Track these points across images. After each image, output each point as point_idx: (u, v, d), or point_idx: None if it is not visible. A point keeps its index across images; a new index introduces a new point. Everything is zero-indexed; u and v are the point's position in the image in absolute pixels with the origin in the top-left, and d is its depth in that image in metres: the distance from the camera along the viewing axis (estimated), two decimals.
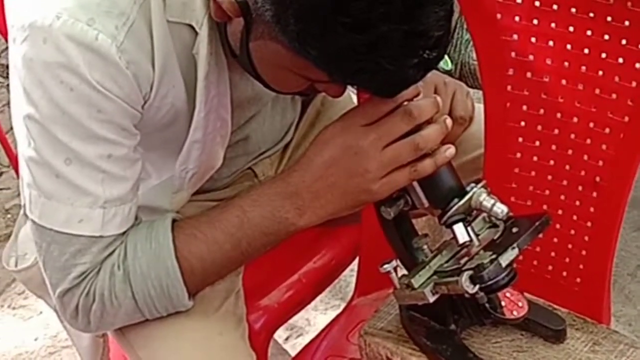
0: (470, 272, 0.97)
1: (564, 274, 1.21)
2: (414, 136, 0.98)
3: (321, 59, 0.86)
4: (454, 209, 0.99)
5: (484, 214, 1.03)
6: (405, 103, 0.98)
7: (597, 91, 1.08)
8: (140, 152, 1.02)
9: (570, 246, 1.19)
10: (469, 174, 1.22)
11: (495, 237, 1.03)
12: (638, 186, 1.17)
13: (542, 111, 1.14)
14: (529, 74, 1.12)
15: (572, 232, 1.18)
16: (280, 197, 1.00)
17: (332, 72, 0.88)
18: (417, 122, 0.97)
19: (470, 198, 0.99)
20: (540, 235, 1.00)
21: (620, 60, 1.05)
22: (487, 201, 0.98)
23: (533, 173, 1.18)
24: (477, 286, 0.97)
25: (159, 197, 1.11)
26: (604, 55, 1.06)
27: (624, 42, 1.04)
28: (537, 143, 1.16)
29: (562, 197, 1.17)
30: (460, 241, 0.99)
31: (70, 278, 0.99)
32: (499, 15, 1.10)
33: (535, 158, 1.17)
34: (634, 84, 1.05)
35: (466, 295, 0.98)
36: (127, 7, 0.93)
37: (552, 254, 1.21)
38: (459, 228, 0.99)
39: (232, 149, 1.17)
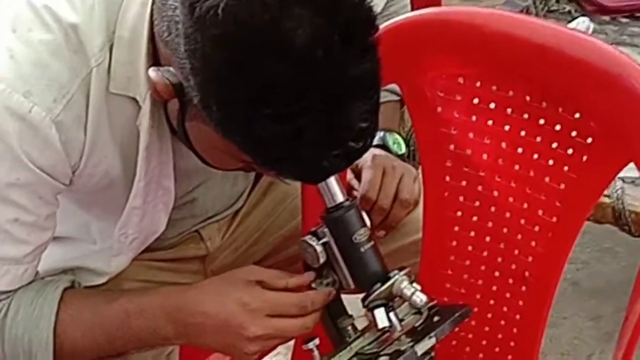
0: (387, 357, 1.00)
1: None
2: (304, 299, 1.04)
3: (244, 145, 0.89)
4: (375, 293, 1.02)
5: None
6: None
7: (529, 190, 1.12)
8: (69, 219, 1.07)
9: (500, 336, 1.22)
10: (409, 256, 1.27)
11: (417, 324, 1.06)
12: (596, 276, 1.21)
13: (477, 203, 1.18)
14: (466, 167, 1.16)
15: (502, 322, 1.21)
16: (165, 317, 1.04)
17: (256, 159, 0.91)
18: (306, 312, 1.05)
19: (392, 284, 1.02)
20: (457, 329, 1.03)
21: (551, 162, 1.09)
22: (407, 289, 1.02)
23: (468, 262, 1.21)
24: None
25: (98, 261, 1.14)
26: (535, 156, 1.11)
27: (554, 145, 1.09)
28: (472, 233, 1.20)
29: (494, 287, 1.20)
30: (380, 326, 1.02)
31: None
32: (439, 109, 1.15)
33: (470, 247, 1.21)
34: (562, 186, 1.09)
35: None
36: (68, 82, 0.97)
37: (484, 342, 1.24)
38: (379, 313, 1.02)
39: (177, 211, 1.20)
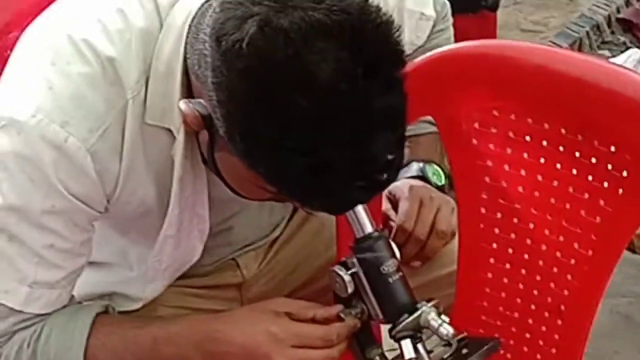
0: None
1: None
2: (329, 331, 1.05)
3: (268, 177, 0.91)
4: (402, 324, 1.02)
5: None
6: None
7: (564, 223, 1.11)
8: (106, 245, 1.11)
9: None
10: (445, 287, 1.26)
11: (446, 356, 1.05)
12: None
13: (513, 235, 1.16)
14: (501, 200, 1.15)
15: (538, 356, 1.19)
16: (193, 345, 1.06)
17: (281, 190, 0.92)
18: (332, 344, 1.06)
19: (419, 316, 1.02)
20: None
21: (586, 195, 1.08)
22: (434, 321, 1.01)
23: (503, 294, 1.20)
24: None
25: (133, 287, 1.17)
26: (571, 189, 1.09)
27: (590, 178, 1.07)
28: (508, 265, 1.19)
29: (530, 320, 1.19)
30: (406, 357, 1.02)
31: None
32: (474, 141, 1.14)
33: (505, 280, 1.19)
34: (598, 219, 1.08)
35: None
36: (105, 113, 0.99)
37: None
38: (406, 344, 1.02)
39: (213, 239, 1.21)
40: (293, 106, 0.86)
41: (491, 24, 2.37)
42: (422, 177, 1.38)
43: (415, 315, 1.02)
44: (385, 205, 1.33)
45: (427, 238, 1.29)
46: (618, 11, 2.48)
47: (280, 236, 1.36)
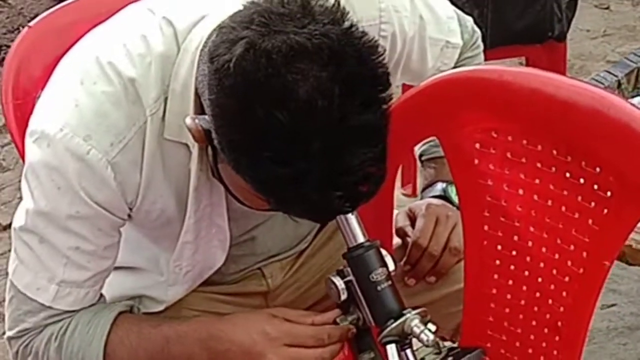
0: None
1: None
2: (320, 331, 1.13)
3: (254, 186, 0.99)
4: (387, 330, 1.08)
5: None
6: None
7: (559, 241, 1.15)
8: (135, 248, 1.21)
9: None
10: (457, 302, 1.31)
11: None
12: None
13: (514, 252, 1.21)
14: (502, 218, 1.20)
15: None
16: (200, 345, 1.16)
17: (267, 198, 1.00)
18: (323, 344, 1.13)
19: (404, 322, 1.08)
20: None
21: (577, 215, 1.12)
22: (417, 327, 1.07)
23: (507, 310, 1.24)
24: None
25: (158, 290, 1.27)
26: (563, 208, 1.13)
27: (579, 198, 1.11)
28: (510, 282, 1.23)
29: (532, 336, 1.22)
30: None
31: (17, 329, 1.18)
32: (476, 161, 1.19)
33: (509, 296, 1.24)
34: (587, 238, 1.11)
35: None
36: (125, 129, 1.10)
37: None
38: (390, 349, 1.08)
39: (238, 248, 1.30)
40: (272, 120, 0.94)
41: (560, 54, 2.39)
42: (445, 197, 1.44)
43: (400, 321, 1.08)
44: (404, 222, 1.39)
45: (440, 254, 1.34)
46: None
47: (307, 249, 1.44)
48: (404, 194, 2.52)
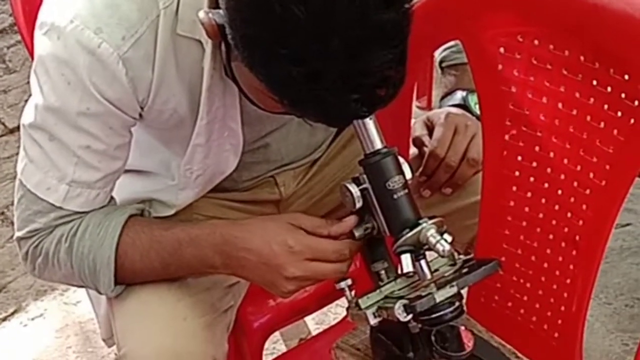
0: (406, 301, 1.03)
1: (545, 326, 1.23)
2: (342, 247, 1.10)
3: (268, 84, 0.94)
4: (402, 239, 1.05)
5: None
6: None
7: (582, 152, 1.11)
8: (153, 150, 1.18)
9: (552, 300, 1.21)
10: (473, 215, 1.28)
11: (447, 274, 1.08)
12: None
13: (535, 164, 1.17)
14: (524, 127, 1.16)
15: (555, 286, 1.20)
16: (212, 249, 1.13)
17: (280, 99, 0.96)
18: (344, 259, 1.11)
19: (419, 232, 1.05)
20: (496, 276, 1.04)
21: (602, 124, 1.07)
22: (432, 237, 1.04)
23: (524, 223, 1.21)
24: (410, 315, 1.02)
25: (169, 193, 1.24)
26: (588, 117, 1.09)
27: (605, 107, 1.06)
28: (529, 194, 1.19)
29: (548, 250, 1.19)
30: (405, 271, 1.05)
31: (27, 230, 1.15)
32: (500, 66, 1.14)
33: (526, 209, 1.20)
34: (611, 149, 1.07)
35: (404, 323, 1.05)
36: (138, 22, 1.05)
37: (537, 305, 1.24)
38: (405, 258, 1.05)
39: (251, 155, 1.27)
40: (289, 15, 0.88)
41: None
42: (464, 106, 1.40)
43: (416, 230, 1.04)
44: (421, 131, 1.36)
45: (458, 165, 1.31)
46: None
47: (321, 158, 1.40)
48: (418, 107, 2.47)
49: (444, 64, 1.42)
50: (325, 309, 1.68)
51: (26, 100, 1.14)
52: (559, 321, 1.21)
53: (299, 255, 1.09)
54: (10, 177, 2.30)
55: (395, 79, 0.95)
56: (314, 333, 1.82)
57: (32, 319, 2.16)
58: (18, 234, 1.17)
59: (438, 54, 1.42)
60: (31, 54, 1.15)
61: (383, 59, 0.92)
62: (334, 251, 1.10)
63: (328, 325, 1.88)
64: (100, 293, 1.19)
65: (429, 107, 2.46)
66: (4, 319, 2.16)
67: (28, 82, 1.13)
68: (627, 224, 2.25)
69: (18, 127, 2.63)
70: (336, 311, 1.97)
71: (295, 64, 0.90)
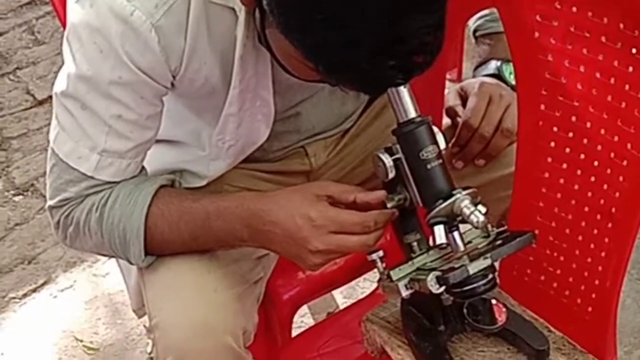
0: (439, 273, 1.02)
1: (578, 300, 1.21)
2: (367, 218, 1.07)
3: (304, 50, 0.93)
4: (435, 210, 1.03)
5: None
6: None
7: (619, 122, 1.08)
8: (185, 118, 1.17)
9: (586, 274, 1.19)
10: (506, 186, 1.26)
11: (480, 246, 1.07)
12: None
13: (571, 134, 1.14)
14: (560, 97, 1.13)
15: (589, 259, 1.18)
16: (240, 221, 1.11)
17: (315, 65, 0.94)
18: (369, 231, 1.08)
19: (453, 203, 1.03)
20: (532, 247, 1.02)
21: None
22: (467, 208, 1.02)
23: (559, 195, 1.19)
24: (442, 287, 1.01)
25: (200, 164, 1.23)
26: (627, 87, 1.06)
27: None
28: (565, 165, 1.17)
29: (583, 223, 1.17)
30: (437, 242, 1.04)
31: (58, 199, 1.15)
32: (537, 34, 1.12)
33: (561, 180, 1.18)
34: None
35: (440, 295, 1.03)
36: None
37: (570, 279, 1.22)
38: (438, 230, 1.04)
39: (282, 124, 1.26)
40: None
41: None
42: (499, 76, 1.37)
43: (450, 201, 1.03)
44: (454, 101, 1.34)
45: (492, 136, 1.29)
46: None
47: (352, 128, 1.39)
48: (448, 79, 2.43)
49: (477, 33, 1.39)
50: (353, 282, 1.67)
51: (55, 72, 1.13)
52: (593, 295, 1.19)
53: (323, 228, 1.08)
54: (40, 149, 2.29)
55: (432, 46, 0.93)
56: (341, 307, 1.81)
57: (62, 291, 2.16)
58: (50, 202, 1.17)
59: (472, 23, 1.39)
60: (63, 23, 1.14)
61: (420, 24, 0.90)
62: (358, 223, 1.08)
63: (356, 300, 1.87)
64: (131, 263, 1.18)
65: (459, 80, 2.43)
66: (34, 290, 2.17)
67: (57, 54, 1.13)
68: None
69: (47, 99, 2.66)
70: (364, 285, 1.97)
71: (332, 29, 0.89)
